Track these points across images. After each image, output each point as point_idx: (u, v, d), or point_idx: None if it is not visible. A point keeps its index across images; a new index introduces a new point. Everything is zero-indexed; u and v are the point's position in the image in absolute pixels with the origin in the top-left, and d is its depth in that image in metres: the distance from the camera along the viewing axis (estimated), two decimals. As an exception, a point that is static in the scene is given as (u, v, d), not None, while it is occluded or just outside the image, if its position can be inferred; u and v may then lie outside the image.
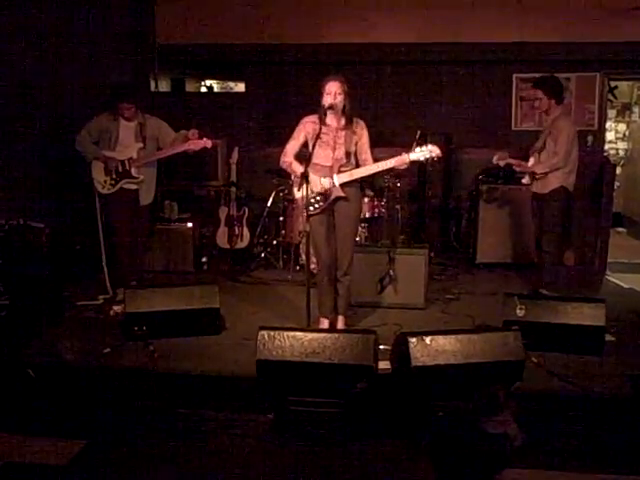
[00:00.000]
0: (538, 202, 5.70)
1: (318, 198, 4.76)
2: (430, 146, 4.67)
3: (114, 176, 5.67)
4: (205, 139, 5.62)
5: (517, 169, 5.82)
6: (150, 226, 6.33)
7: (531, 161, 5.66)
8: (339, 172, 4.73)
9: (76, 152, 5.66)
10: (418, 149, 4.68)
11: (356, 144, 4.80)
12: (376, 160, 4.79)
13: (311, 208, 4.71)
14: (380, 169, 4.76)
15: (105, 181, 5.68)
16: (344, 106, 4.70)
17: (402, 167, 4.77)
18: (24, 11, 5.98)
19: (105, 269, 5.99)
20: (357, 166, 4.82)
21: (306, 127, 4.80)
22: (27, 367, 4.31)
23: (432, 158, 4.71)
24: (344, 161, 4.75)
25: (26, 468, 3.51)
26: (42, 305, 5.08)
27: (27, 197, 5.94)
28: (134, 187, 5.73)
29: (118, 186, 5.68)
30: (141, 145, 5.70)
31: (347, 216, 4.83)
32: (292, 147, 4.84)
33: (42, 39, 6.13)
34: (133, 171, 5.68)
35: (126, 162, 5.66)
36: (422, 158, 4.69)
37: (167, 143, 5.77)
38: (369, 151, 4.85)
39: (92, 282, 6.07)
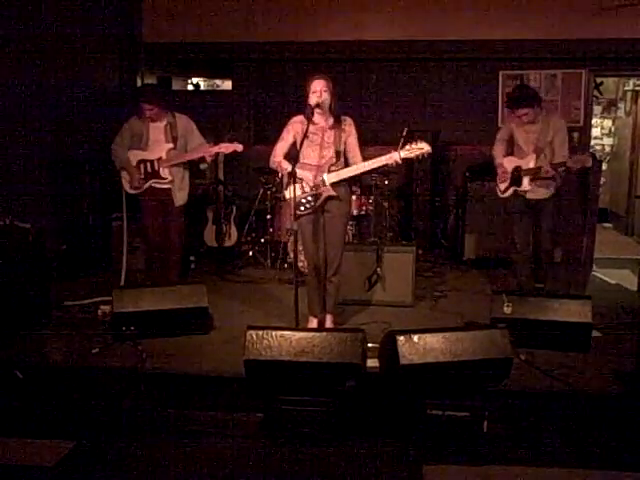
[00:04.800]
0: (533, 207, 5.50)
1: (309, 198, 4.74)
2: (420, 143, 4.59)
3: (142, 176, 5.60)
4: (236, 143, 5.53)
5: (573, 166, 5.14)
6: (185, 225, 6.04)
7: (531, 158, 5.39)
8: (329, 171, 4.70)
9: (60, 152, 5.60)
10: (407, 146, 4.60)
11: (345, 142, 4.76)
12: (365, 159, 4.74)
13: (302, 208, 4.71)
14: (370, 167, 4.70)
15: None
16: (331, 104, 4.68)
17: (393, 165, 4.67)
18: (10, 12, 5.94)
19: (124, 267, 5.98)
20: (346, 165, 4.78)
21: (294, 127, 4.77)
22: (14, 368, 4.29)
23: (422, 155, 4.62)
24: (334, 160, 4.72)
25: (13, 469, 3.50)
26: (29, 305, 5.06)
27: (13, 197, 5.90)
28: (165, 187, 5.64)
29: (146, 186, 5.62)
30: (171, 145, 5.59)
31: (337, 215, 4.81)
32: (281, 148, 4.81)
33: (27, 39, 6.09)
34: (162, 171, 5.59)
35: (155, 162, 5.57)
36: (413, 155, 4.60)
37: (191, 147, 5.68)
38: (358, 149, 4.79)
39: (79, 282, 6.04)
